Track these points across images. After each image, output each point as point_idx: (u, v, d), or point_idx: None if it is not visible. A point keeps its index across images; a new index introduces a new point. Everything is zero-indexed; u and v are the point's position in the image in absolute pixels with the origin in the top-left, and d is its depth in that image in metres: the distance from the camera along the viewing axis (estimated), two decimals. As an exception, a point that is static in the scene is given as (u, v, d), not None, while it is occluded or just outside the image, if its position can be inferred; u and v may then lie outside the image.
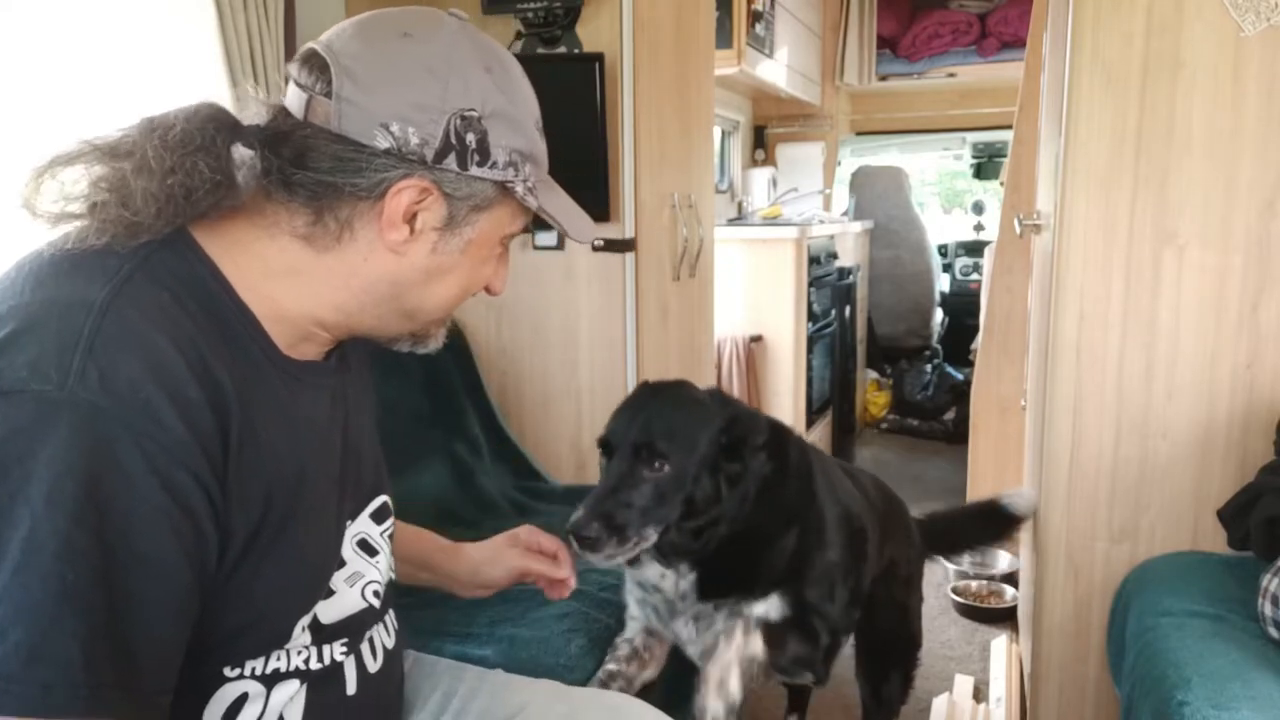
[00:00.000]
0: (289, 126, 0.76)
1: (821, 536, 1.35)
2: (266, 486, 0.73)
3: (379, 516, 0.94)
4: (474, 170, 0.78)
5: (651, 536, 1.21)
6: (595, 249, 2.15)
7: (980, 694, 2.29)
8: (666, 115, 2.33)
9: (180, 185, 0.71)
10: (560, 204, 0.87)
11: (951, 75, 4.76)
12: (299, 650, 0.82)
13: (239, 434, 0.70)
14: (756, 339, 3.50)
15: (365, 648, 0.91)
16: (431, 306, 0.84)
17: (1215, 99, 1.59)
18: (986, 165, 5.73)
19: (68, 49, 1.63)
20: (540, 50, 2.09)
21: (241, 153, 0.75)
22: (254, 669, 0.78)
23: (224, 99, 1.77)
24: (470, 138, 0.76)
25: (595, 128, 2.00)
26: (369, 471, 0.93)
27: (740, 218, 4.38)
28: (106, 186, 0.71)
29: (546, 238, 2.17)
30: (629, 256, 2.15)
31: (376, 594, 0.91)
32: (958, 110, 5.11)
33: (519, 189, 0.81)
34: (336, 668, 0.86)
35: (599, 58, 1.99)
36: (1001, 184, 3.58)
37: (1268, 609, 1.32)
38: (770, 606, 1.30)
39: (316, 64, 0.75)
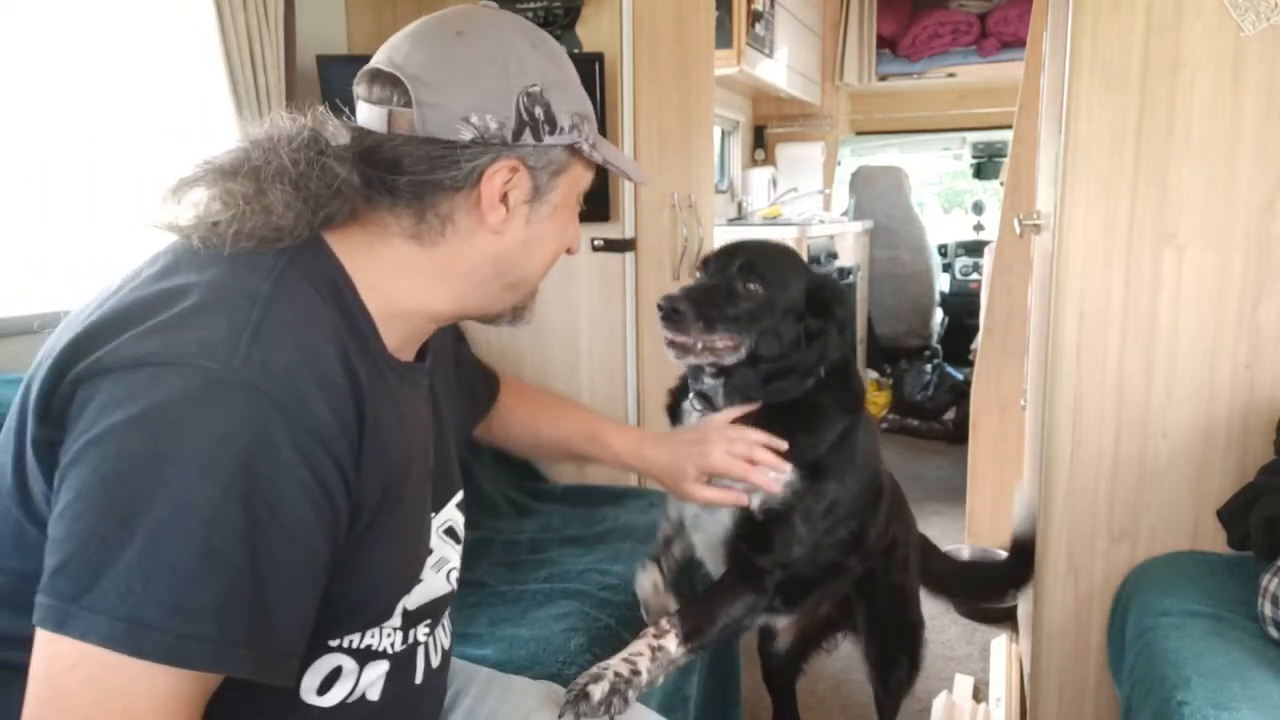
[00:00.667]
0: (375, 141, 0.82)
1: (843, 473, 1.37)
2: (384, 472, 0.78)
3: (462, 506, 1.01)
4: (547, 139, 0.84)
5: (732, 349, 1.27)
6: (595, 249, 2.15)
7: (980, 694, 2.30)
8: (666, 115, 2.33)
9: (312, 190, 0.78)
10: (616, 154, 0.95)
11: (951, 75, 4.76)
12: (389, 632, 0.87)
13: (370, 422, 0.76)
14: (756, 339, 3.49)
15: (432, 642, 0.96)
16: (531, 274, 0.92)
17: (1215, 99, 1.59)
18: (986, 165, 5.72)
19: (69, 49, 1.63)
20: (540, 50, 2.09)
21: (337, 169, 0.81)
22: (352, 643, 0.84)
23: (224, 99, 1.76)
24: (538, 110, 0.83)
25: (595, 128, 2.00)
26: (454, 464, 1.00)
27: (740, 218, 4.38)
28: (242, 197, 0.76)
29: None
30: (629, 256, 2.15)
31: (456, 578, 0.98)
32: (958, 110, 5.10)
33: (585, 147, 0.88)
34: (412, 654, 0.92)
35: (599, 58, 1.99)
36: (1001, 184, 3.57)
37: (1268, 609, 1.32)
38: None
39: (386, 80, 0.82)
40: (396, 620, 0.87)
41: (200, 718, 0.68)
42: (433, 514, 0.94)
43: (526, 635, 1.43)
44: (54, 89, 1.62)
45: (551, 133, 0.84)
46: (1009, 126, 2.96)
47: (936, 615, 2.71)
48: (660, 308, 1.25)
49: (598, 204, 2.05)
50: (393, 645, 0.88)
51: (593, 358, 2.22)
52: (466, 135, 0.80)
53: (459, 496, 1.01)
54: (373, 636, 0.85)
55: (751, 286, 1.29)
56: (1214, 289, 1.64)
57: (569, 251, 0.96)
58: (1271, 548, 1.45)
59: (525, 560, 1.76)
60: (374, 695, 0.87)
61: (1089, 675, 1.81)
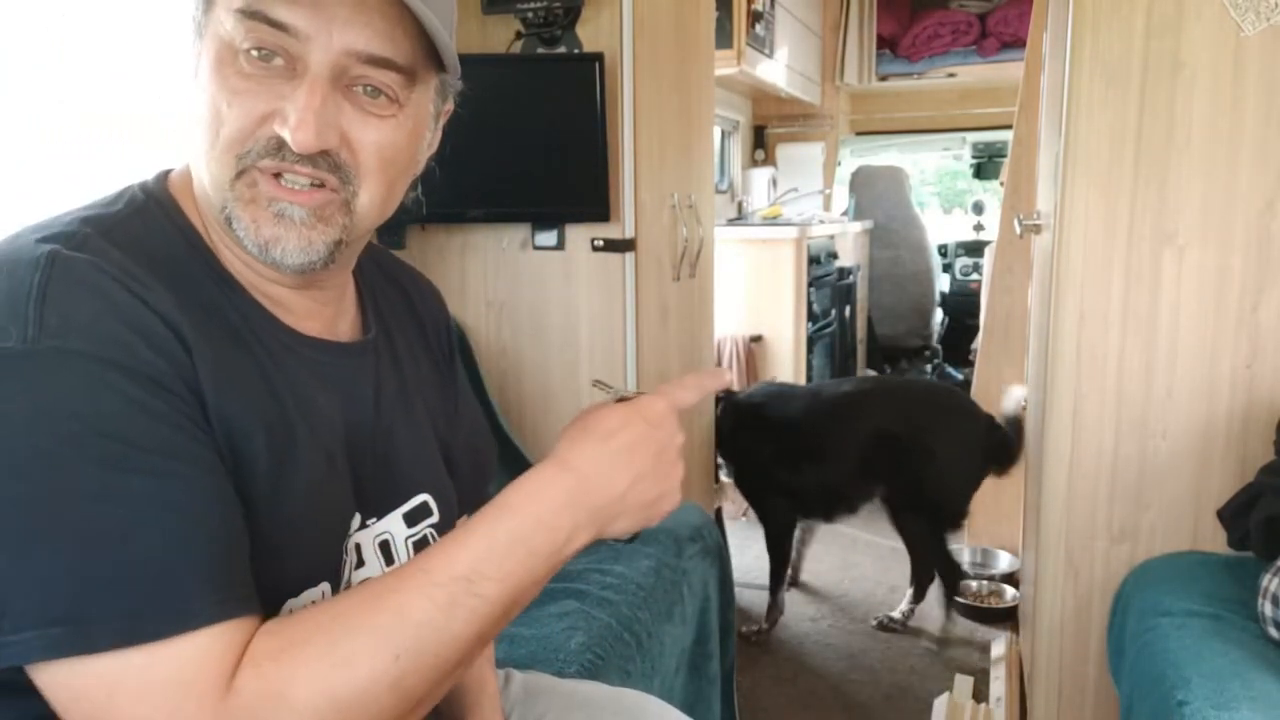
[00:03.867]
0: None
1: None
2: (234, 444, 0.67)
3: (412, 518, 0.87)
4: None
5: None
6: (595, 249, 2.15)
7: (980, 694, 2.29)
8: (666, 115, 2.33)
9: None
10: None
11: (951, 75, 4.76)
12: None
13: (204, 380, 0.66)
14: (756, 339, 3.50)
15: None
16: (200, 140, 0.71)
17: (1215, 99, 1.59)
18: (986, 165, 5.73)
19: (68, 47, 1.63)
20: (540, 50, 2.08)
21: None
22: None
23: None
24: None
25: (595, 128, 2.00)
26: (406, 466, 0.86)
27: (740, 218, 4.38)
28: None
29: (546, 237, 2.17)
30: (629, 256, 2.15)
31: None
32: (958, 110, 5.11)
33: None
34: None
35: (599, 58, 1.99)
36: (1001, 184, 3.58)
37: (1268, 609, 1.32)
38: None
39: None
40: None
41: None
42: (370, 520, 0.81)
43: (527, 634, 1.43)
44: (52, 88, 1.62)
45: None
46: (1009, 126, 2.96)
47: (937, 615, 2.71)
48: None
49: (598, 204, 2.05)
50: None
51: (593, 358, 2.22)
52: None
53: (413, 504, 0.86)
54: None
55: None
56: (1214, 289, 1.64)
57: (289, 129, 0.68)
58: (1271, 548, 1.45)
59: (525, 560, 1.76)
60: None
61: (1089, 675, 1.81)
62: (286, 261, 0.70)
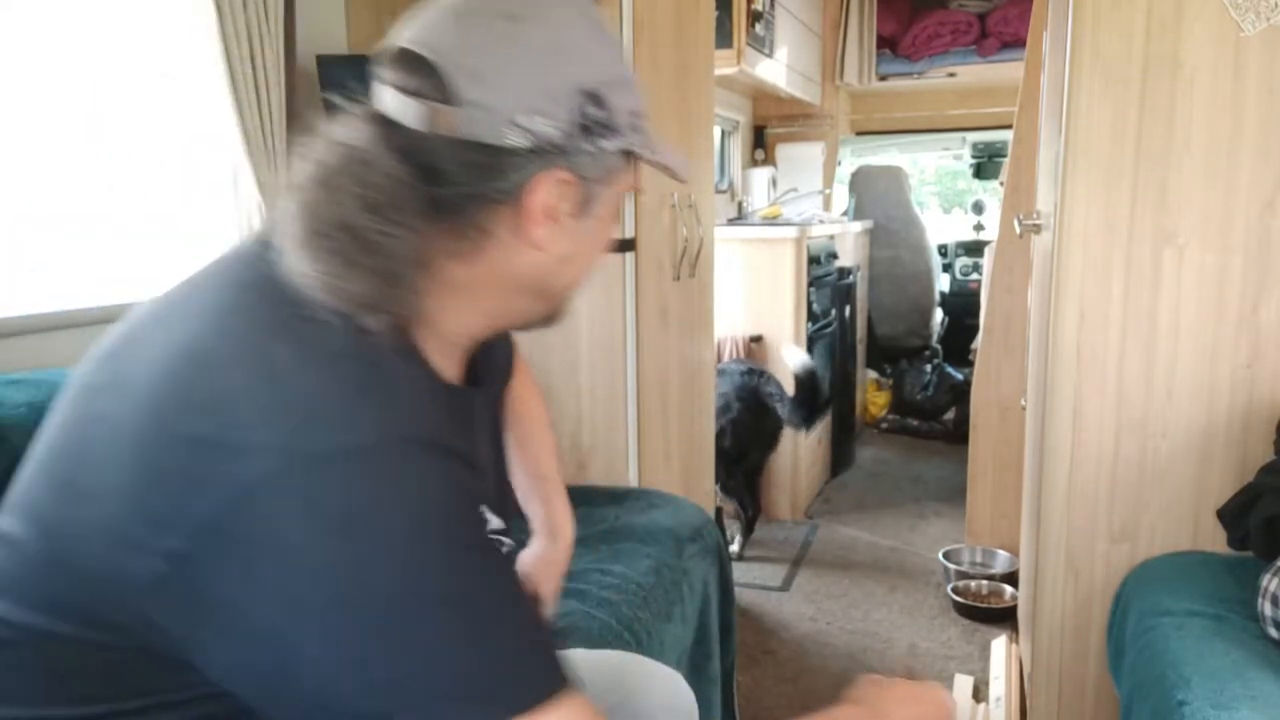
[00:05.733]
0: (408, 141, 0.69)
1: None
2: None
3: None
4: (604, 144, 0.73)
5: None
6: (595, 249, 2.15)
7: (980, 694, 2.29)
8: (666, 115, 2.33)
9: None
10: (665, 149, 0.83)
11: (951, 75, 4.75)
12: None
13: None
14: (756, 339, 3.50)
15: None
16: (570, 285, 0.83)
17: (1215, 99, 1.59)
18: (986, 165, 5.72)
19: (68, 47, 1.63)
20: (540, 50, 2.08)
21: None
22: None
23: (224, 99, 1.75)
24: (597, 113, 0.71)
25: (595, 128, 2.00)
26: (509, 495, 0.97)
27: (740, 218, 4.38)
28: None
29: (546, 238, 2.17)
30: (629, 256, 2.15)
31: None
32: (958, 110, 5.10)
33: (646, 155, 0.78)
34: None
35: (599, 58, 1.99)
36: (1001, 184, 3.58)
37: (1268, 609, 1.32)
38: None
39: (421, 68, 0.68)
40: None
41: None
42: None
43: (526, 635, 1.43)
44: (52, 87, 1.62)
45: (609, 137, 0.72)
46: (1009, 126, 2.96)
47: (937, 615, 2.71)
48: None
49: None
50: None
51: (593, 358, 2.22)
52: (515, 140, 0.68)
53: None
54: None
55: None
56: (1214, 289, 1.64)
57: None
58: (1271, 548, 1.45)
59: (525, 560, 1.76)
60: None
61: (1089, 675, 1.81)
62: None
